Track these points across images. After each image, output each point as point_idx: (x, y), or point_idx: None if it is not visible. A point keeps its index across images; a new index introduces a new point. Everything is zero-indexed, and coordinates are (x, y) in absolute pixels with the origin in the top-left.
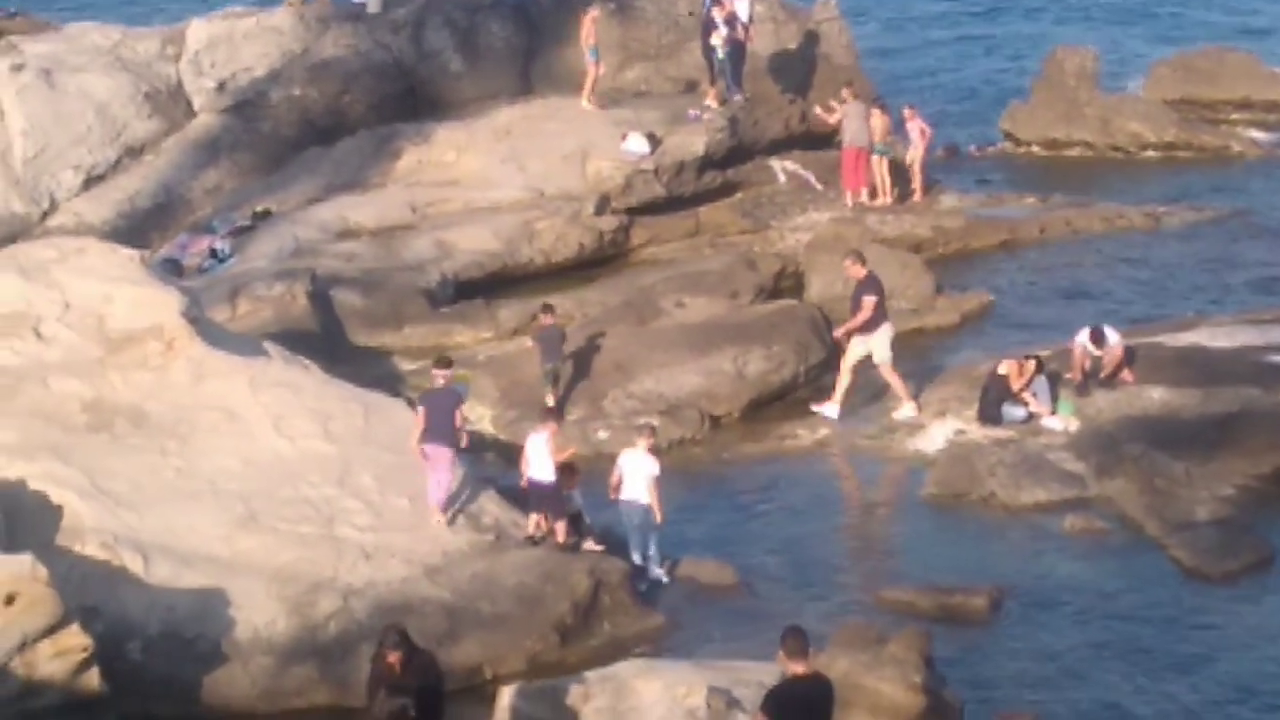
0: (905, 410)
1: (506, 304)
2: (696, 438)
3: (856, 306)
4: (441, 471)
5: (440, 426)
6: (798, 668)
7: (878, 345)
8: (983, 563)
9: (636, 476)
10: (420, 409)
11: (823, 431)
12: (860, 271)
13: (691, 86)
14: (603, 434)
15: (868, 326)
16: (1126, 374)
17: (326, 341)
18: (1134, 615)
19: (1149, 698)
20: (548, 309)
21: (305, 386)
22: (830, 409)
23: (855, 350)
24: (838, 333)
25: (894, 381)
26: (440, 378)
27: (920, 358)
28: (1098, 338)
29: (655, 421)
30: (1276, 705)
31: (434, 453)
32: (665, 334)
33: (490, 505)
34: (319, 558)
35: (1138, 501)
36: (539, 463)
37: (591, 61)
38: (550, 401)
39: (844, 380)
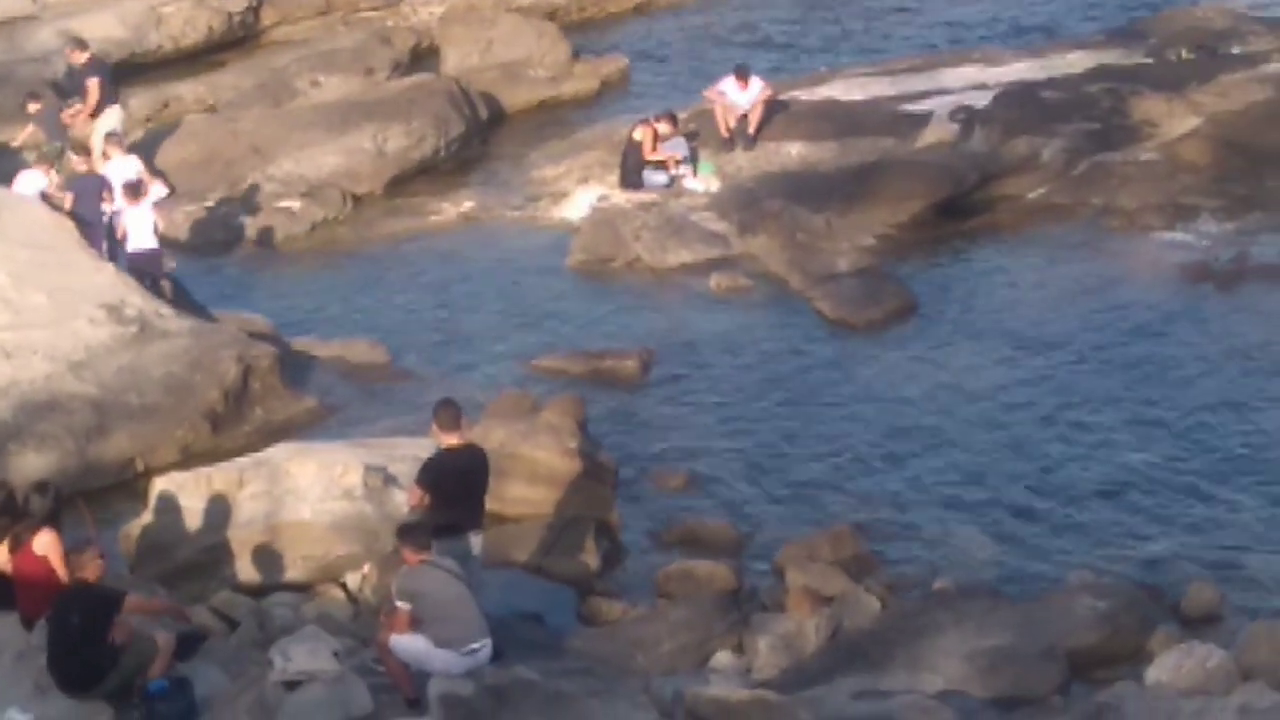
0: None
1: (136, 92)
2: (340, 218)
3: (83, 92)
4: None
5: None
6: (451, 439)
7: (101, 123)
8: (632, 326)
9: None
10: (68, 196)
11: (467, 205)
12: (82, 58)
13: None
14: (245, 219)
15: (96, 109)
16: None
17: None
18: (783, 369)
19: (802, 446)
20: (33, 96)
21: None
22: None
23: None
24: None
25: None
26: (82, 164)
27: (561, 125)
28: (743, 74)
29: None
30: (920, 444)
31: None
32: (302, 114)
33: (134, 297)
34: None
35: (780, 256)
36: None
37: None
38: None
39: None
